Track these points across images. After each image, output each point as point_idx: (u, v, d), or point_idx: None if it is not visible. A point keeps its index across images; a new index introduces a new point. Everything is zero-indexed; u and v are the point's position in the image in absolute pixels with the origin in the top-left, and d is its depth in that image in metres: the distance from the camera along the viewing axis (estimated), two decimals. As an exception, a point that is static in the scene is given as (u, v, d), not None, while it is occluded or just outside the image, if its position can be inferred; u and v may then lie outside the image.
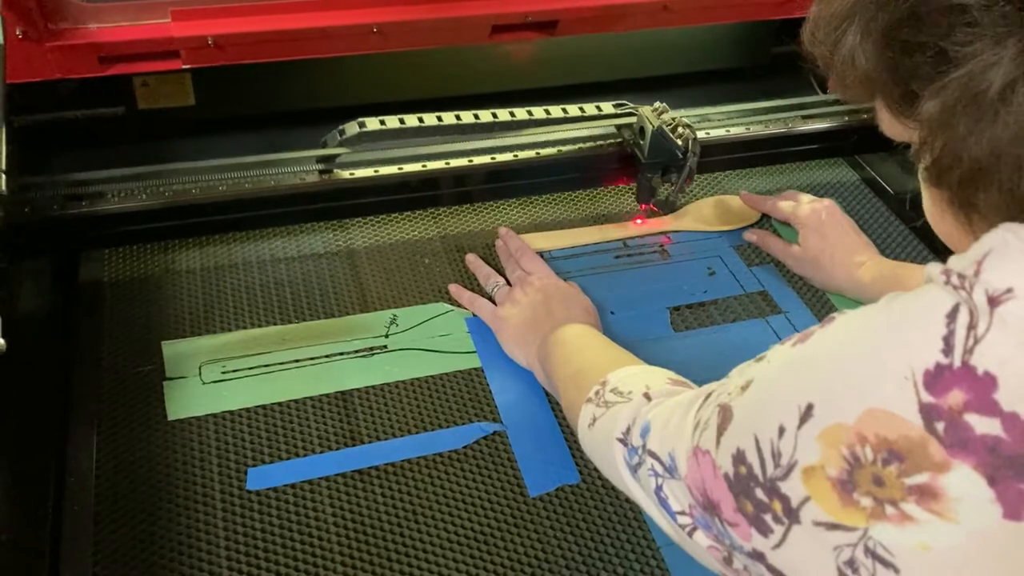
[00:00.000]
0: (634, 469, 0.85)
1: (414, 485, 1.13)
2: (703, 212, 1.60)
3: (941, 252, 1.53)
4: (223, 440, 1.17)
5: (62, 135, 1.51)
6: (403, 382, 1.26)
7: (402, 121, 1.42)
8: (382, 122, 1.42)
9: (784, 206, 1.52)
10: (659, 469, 0.80)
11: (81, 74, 1.32)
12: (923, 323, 0.59)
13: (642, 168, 1.51)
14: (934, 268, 0.62)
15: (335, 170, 1.47)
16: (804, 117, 1.69)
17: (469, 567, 1.05)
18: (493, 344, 1.32)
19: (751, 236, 1.53)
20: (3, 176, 1.04)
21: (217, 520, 1.08)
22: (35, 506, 1.08)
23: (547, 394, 1.26)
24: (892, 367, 0.59)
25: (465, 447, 1.18)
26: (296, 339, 1.31)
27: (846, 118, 1.70)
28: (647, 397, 0.90)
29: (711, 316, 1.41)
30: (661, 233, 1.55)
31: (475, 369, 1.29)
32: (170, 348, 1.28)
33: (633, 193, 1.59)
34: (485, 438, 1.20)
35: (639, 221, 1.56)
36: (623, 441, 0.88)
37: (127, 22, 1.31)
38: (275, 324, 1.34)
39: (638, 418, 0.87)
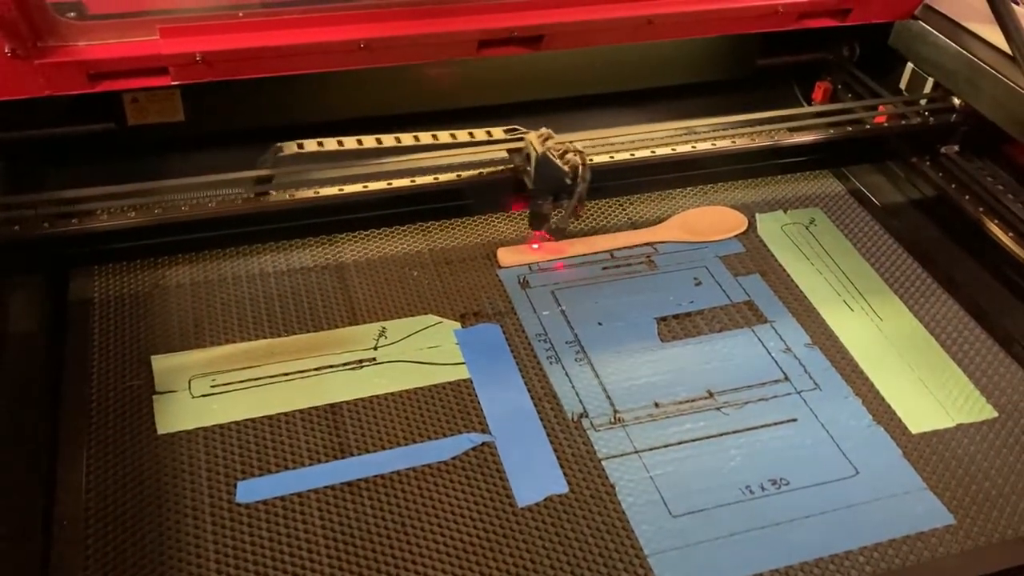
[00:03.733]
0: None
1: (403, 496, 1.14)
2: (689, 223, 1.61)
3: (923, 260, 1.56)
4: (213, 453, 1.17)
5: (52, 152, 1.52)
6: (392, 394, 1.27)
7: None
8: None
9: None
10: None
11: (70, 91, 1.32)
12: None
13: (531, 195, 1.48)
14: None
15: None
16: (790, 129, 1.71)
17: (458, 577, 1.06)
18: (482, 355, 1.33)
19: None
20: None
21: (207, 533, 1.09)
22: (24, 521, 1.08)
23: (536, 404, 1.27)
24: None
25: (454, 458, 1.19)
26: (285, 352, 1.32)
27: (831, 130, 1.72)
28: None
29: (698, 326, 1.41)
30: (647, 244, 1.56)
31: (464, 380, 1.29)
32: (160, 362, 1.29)
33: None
34: (474, 449, 1.20)
35: (535, 246, 1.54)
36: None
37: (116, 39, 1.32)
38: (264, 338, 1.34)
39: None
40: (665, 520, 1.13)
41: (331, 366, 1.30)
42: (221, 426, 1.21)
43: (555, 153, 1.41)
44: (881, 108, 1.75)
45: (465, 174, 1.51)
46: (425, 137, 1.46)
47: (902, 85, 1.77)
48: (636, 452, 1.21)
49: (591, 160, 1.46)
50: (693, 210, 1.65)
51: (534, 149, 1.42)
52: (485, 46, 1.48)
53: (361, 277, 1.46)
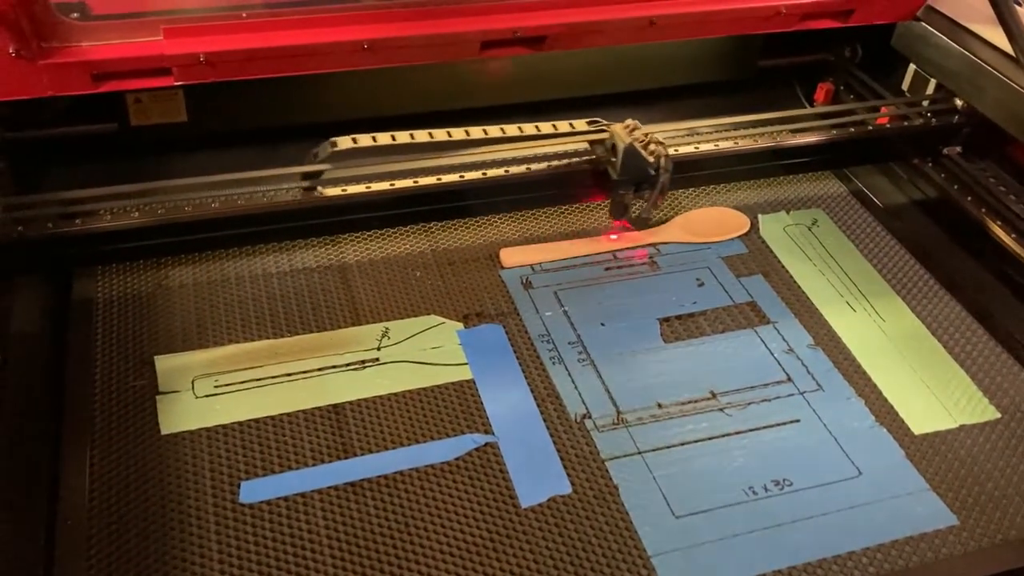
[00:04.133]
0: None
1: (406, 497, 1.14)
2: (691, 224, 1.61)
3: (925, 261, 1.56)
4: (216, 454, 1.17)
5: (55, 152, 1.52)
6: (395, 394, 1.27)
7: (375, 139, 1.43)
8: (354, 140, 1.41)
9: None
10: None
11: (74, 91, 1.32)
12: None
13: (615, 185, 1.51)
14: None
15: (318, 187, 1.46)
16: (793, 130, 1.71)
17: (461, 578, 1.06)
18: (485, 356, 1.33)
19: None
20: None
21: (210, 533, 1.09)
22: (28, 522, 1.08)
23: (539, 405, 1.27)
24: None
25: (457, 458, 1.19)
26: (288, 353, 1.32)
27: (834, 132, 1.72)
28: None
29: (700, 327, 1.42)
30: (651, 245, 1.57)
31: (467, 381, 1.29)
32: (163, 363, 1.29)
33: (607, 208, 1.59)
34: (477, 449, 1.20)
35: (614, 236, 1.57)
36: None
37: (119, 40, 1.32)
38: (267, 338, 1.34)
39: None
40: (668, 521, 1.13)
41: (334, 366, 1.30)
42: (224, 426, 1.21)
43: (639, 144, 1.44)
44: (883, 109, 1.75)
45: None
46: (511, 129, 1.49)
47: (904, 86, 1.77)
48: (639, 453, 1.21)
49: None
50: (695, 211, 1.65)
51: (620, 140, 1.45)
52: (488, 47, 1.48)
53: (364, 278, 1.46)
